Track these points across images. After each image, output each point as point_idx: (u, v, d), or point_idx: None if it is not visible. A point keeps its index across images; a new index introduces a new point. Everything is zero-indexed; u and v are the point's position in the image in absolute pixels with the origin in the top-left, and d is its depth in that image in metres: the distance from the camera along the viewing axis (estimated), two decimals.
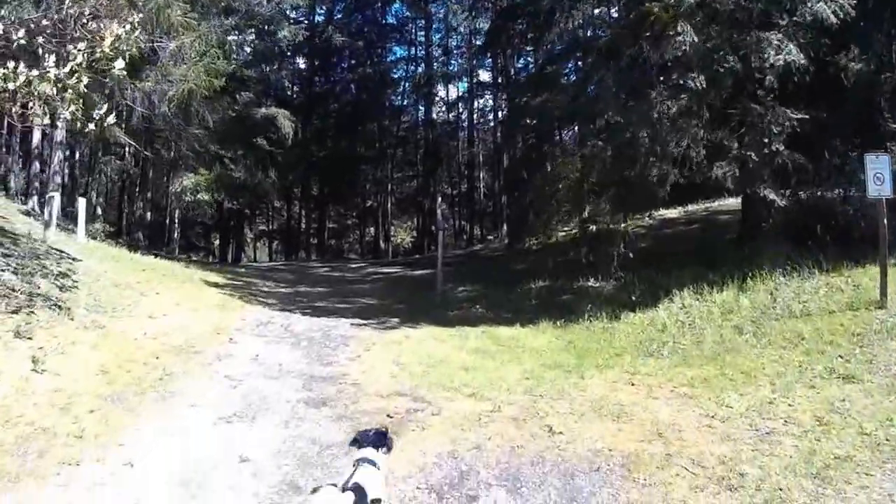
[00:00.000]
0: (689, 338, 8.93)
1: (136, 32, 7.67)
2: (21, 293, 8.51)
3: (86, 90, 7.05)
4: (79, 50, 6.73)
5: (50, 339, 7.55)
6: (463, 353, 9.07)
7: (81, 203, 14.04)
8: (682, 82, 11.58)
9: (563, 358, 8.70)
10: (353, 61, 38.60)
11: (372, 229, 42.87)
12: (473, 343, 9.71)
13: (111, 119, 6.98)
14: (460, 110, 39.68)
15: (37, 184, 16.01)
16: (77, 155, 19.10)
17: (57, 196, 12.69)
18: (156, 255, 17.40)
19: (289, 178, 34.81)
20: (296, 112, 32.23)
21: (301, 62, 39.66)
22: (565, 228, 21.10)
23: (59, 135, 15.59)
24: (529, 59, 27.33)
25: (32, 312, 8.02)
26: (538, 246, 22.99)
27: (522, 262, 19.49)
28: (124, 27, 7.37)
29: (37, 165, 16.05)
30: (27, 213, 14.44)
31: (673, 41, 10.39)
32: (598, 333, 10.00)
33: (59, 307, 8.60)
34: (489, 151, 39.14)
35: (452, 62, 36.61)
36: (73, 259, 11.30)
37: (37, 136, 16.18)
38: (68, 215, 16.29)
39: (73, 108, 6.93)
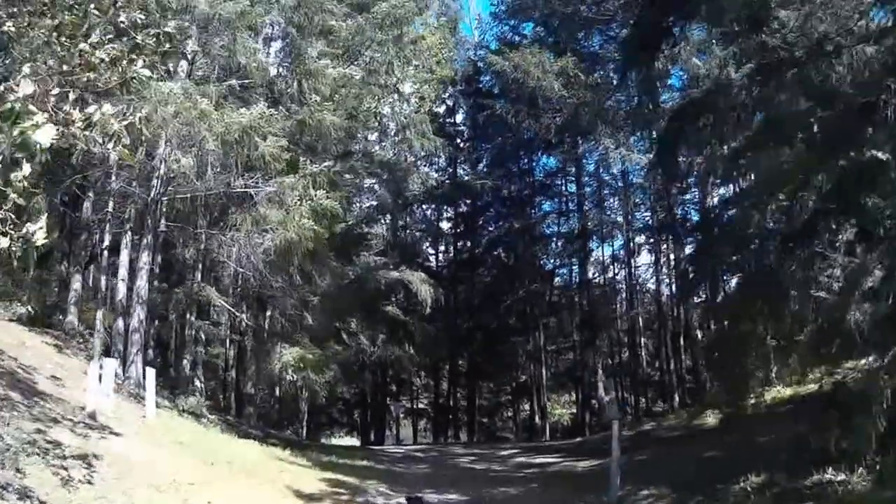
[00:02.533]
0: None
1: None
2: None
3: None
4: None
5: None
6: None
7: (150, 374, 11.70)
8: None
9: None
10: (500, 223, 36.64)
11: (526, 405, 38.74)
12: None
13: (39, 238, 4.37)
14: (615, 271, 36.12)
15: (120, 345, 14.03)
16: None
17: (110, 361, 10.50)
18: (260, 439, 14.67)
19: (425, 355, 31.71)
20: (437, 278, 30.08)
21: (445, 226, 38.43)
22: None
23: (142, 285, 13.64)
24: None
25: None
26: (724, 421, 18.56)
27: (713, 446, 14.93)
28: (100, 106, 5.04)
29: (120, 324, 14.18)
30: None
31: None
32: None
33: None
34: (650, 314, 34.74)
35: (607, 213, 33.33)
36: (114, 436, 8.69)
37: (122, 289, 14.41)
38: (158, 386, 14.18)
39: None
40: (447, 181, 34.08)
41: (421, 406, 41.68)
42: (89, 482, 7.01)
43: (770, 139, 10.07)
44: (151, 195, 13.81)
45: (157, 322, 17.59)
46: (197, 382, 16.89)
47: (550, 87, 22.08)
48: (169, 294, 16.57)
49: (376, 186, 26.58)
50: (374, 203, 27.45)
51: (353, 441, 36.86)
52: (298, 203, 12.85)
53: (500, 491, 12.71)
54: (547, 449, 23.02)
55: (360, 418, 36.49)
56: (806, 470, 9.42)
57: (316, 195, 13.06)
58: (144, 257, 13.60)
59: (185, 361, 16.47)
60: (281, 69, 16.52)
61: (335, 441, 39.08)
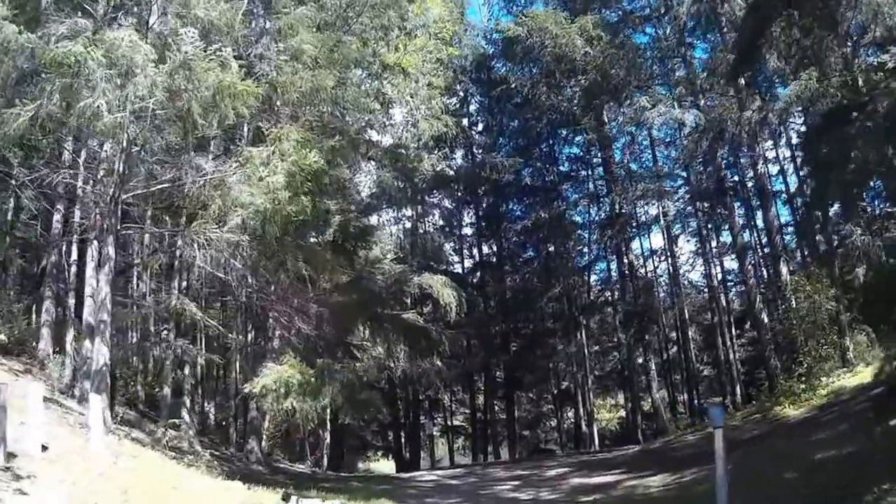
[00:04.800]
0: None
1: None
2: None
3: None
4: None
5: None
6: None
7: (95, 401, 8.85)
8: None
9: None
10: (526, 217, 33.95)
11: (570, 413, 35.98)
12: None
13: None
14: (656, 263, 33.24)
15: (93, 373, 11.57)
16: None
17: (35, 386, 7.98)
18: (258, 477, 12.27)
19: (457, 367, 28.99)
20: (461, 282, 27.35)
21: (468, 231, 35.98)
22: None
23: (103, 299, 11.00)
24: None
25: None
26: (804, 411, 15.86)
27: (815, 444, 12.15)
28: None
29: (87, 346, 11.77)
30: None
31: None
32: None
33: None
34: (694, 306, 32.43)
35: (643, 189, 30.19)
36: (20, 494, 6.27)
37: (87, 307, 11.84)
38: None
39: None
40: (464, 170, 31.75)
41: (457, 423, 39.09)
42: None
43: None
44: (110, 192, 11.54)
45: (137, 343, 15.37)
46: (184, 412, 14.42)
47: (573, 45, 19.69)
48: (144, 309, 14.24)
49: (376, 172, 23.56)
50: (378, 192, 24.50)
51: (390, 464, 34.52)
52: (270, 169, 10.37)
53: None
54: (601, 463, 20.10)
55: (394, 440, 34.00)
56: None
57: (289, 156, 10.57)
58: (105, 267, 11.27)
59: (165, 387, 14.06)
60: (253, 27, 14.15)
61: (373, 465, 36.77)
